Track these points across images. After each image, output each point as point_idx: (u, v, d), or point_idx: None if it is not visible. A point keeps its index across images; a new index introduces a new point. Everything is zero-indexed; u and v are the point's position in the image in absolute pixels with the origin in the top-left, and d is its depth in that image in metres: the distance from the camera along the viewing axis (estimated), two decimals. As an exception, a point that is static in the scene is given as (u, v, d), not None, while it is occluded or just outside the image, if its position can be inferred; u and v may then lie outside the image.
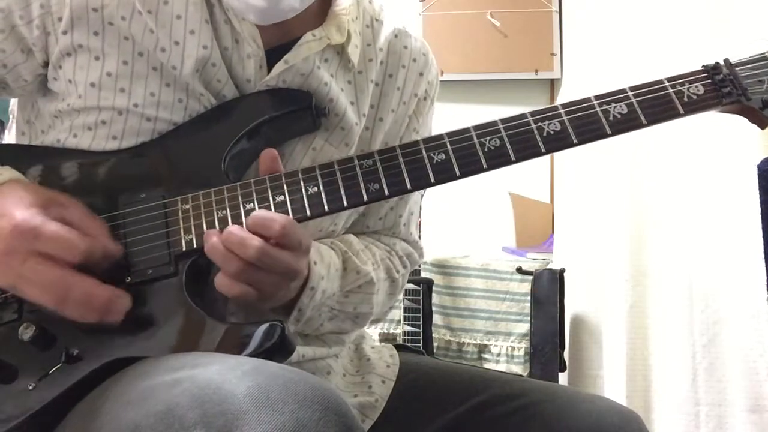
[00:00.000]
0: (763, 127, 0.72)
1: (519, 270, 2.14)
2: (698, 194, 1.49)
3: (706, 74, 0.70)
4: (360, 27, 0.83)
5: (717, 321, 1.45)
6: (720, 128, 1.42)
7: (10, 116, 2.13)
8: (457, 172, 0.68)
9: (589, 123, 0.69)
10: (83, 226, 0.65)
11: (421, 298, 2.09)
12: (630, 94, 0.69)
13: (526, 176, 2.66)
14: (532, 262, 2.24)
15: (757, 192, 0.98)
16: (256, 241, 0.63)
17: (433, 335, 2.18)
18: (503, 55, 2.69)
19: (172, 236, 0.68)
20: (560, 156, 2.36)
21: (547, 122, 0.69)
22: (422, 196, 2.12)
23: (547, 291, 2.03)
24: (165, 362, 0.56)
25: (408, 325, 2.09)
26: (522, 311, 2.17)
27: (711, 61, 0.72)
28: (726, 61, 0.72)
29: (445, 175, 0.68)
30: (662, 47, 1.56)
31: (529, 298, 2.09)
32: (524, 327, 2.15)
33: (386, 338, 2.20)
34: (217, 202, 0.68)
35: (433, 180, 0.68)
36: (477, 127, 0.69)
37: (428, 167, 0.68)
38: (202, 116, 0.74)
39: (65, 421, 0.60)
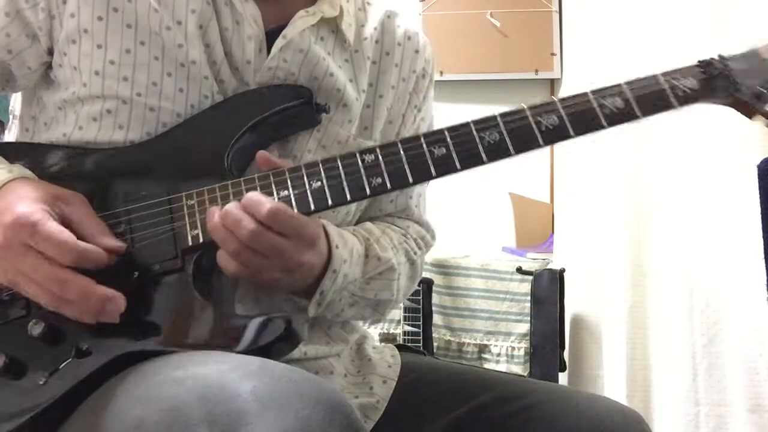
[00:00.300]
0: (751, 118, 0.75)
1: (519, 270, 2.14)
2: (698, 194, 1.49)
3: (700, 69, 0.73)
4: (353, 9, 0.85)
5: (717, 321, 1.46)
6: (720, 128, 1.42)
7: (10, 116, 2.13)
8: (458, 166, 0.69)
9: (585, 116, 0.70)
10: (83, 227, 0.66)
11: (421, 298, 2.09)
12: (625, 88, 0.71)
13: (526, 176, 2.66)
14: (532, 262, 2.24)
15: (757, 192, 0.98)
16: (249, 222, 0.64)
17: (433, 335, 2.18)
18: (503, 55, 2.69)
19: (178, 231, 0.69)
20: (560, 156, 2.36)
21: (545, 116, 0.70)
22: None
23: (547, 291, 2.03)
24: (171, 360, 0.56)
25: (408, 325, 2.09)
26: (522, 311, 2.17)
27: (706, 57, 0.74)
28: (720, 56, 0.74)
29: (445, 169, 0.69)
30: (662, 47, 1.56)
31: (529, 298, 2.09)
32: (524, 327, 2.15)
33: (386, 338, 2.20)
34: (222, 197, 0.69)
35: (434, 173, 0.69)
36: (477, 122, 0.71)
37: (429, 161, 0.69)
38: (205, 112, 0.75)
39: (73, 417, 0.61)
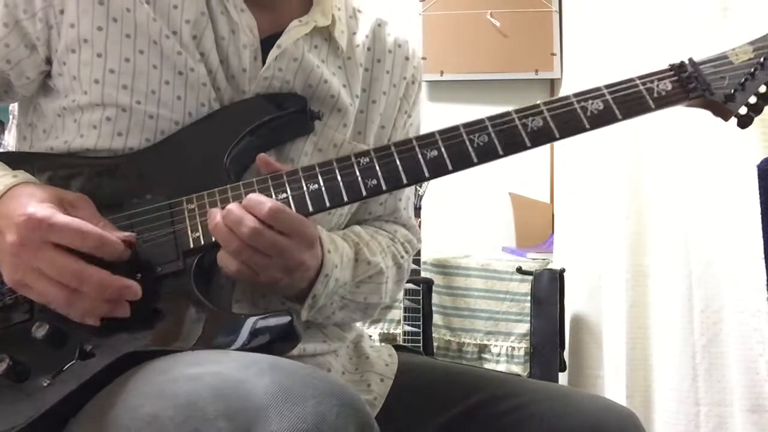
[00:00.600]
0: (726, 120, 0.78)
1: (519, 270, 2.14)
2: (698, 194, 1.49)
3: (672, 72, 0.77)
4: (344, 17, 0.88)
5: (717, 321, 1.45)
6: (720, 128, 1.42)
7: (10, 117, 2.13)
8: (450, 167, 0.73)
9: (569, 119, 0.74)
10: (93, 223, 0.67)
11: (421, 298, 2.09)
12: (605, 91, 0.75)
13: (526, 176, 2.66)
14: (532, 262, 2.24)
15: (757, 192, 0.98)
16: (250, 221, 0.66)
17: (433, 335, 2.18)
18: (503, 55, 2.69)
19: (180, 234, 0.71)
20: (560, 156, 2.36)
21: (530, 119, 0.74)
22: (421, 191, 2.13)
23: (547, 291, 2.03)
24: (183, 358, 0.57)
25: (408, 325, 2.09)
26: (522, 311, 2.17)
27: (677, 60, 0.78)
28: (690, 60, 0.78)
29: (438, 170, 0.73)
30: (662, 47, 1.56)
31: (529, 298, 2.09)
32: (524, 327, 2.15)
33: (386, 338, 2.20)
34: (221, 201, 0.71)
35: (427, 175, 0.72)
36: (466, 125, 0.74)
37: (422, 163, 0.72)
38: (203, 120, 0.77)
39: (80, 416, 0.61)
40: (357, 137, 0.87)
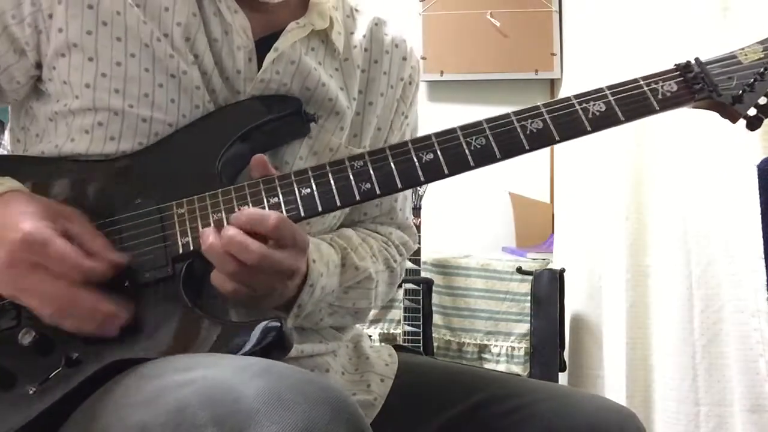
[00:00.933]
0: (734, 122, 0.75)
1: (519, 270, 2.14)
2: (698, 194, 1.49)
3: (678, 72, 0.74)
4: (341, 17, 0.86)
5: (717, 321, 1.45)
6: (720, 128, 1.42)
7: (10, 116, 2.12)
8: (446, 171, 0.71)
9: (569, 121, 0.72)
10: (87, 242, 0.66)
11: (421, 298, 2.09)
12: (608, 92, 0.73)
13: (526, 176, 2.66)
14: (532, 262, 2.24)
15: (757, 192, 0.98)
16: (256, 247, 0.64)
17: (433, 335, 2.18)
18: (503, 55, 2.69)
19: (169, 240, 0.69)
20: (560, 156, 2.36)
21: (529, 121, 0.72)
22: (421, 191, 2.13)
23: (547, 291, 2.03)
24: (172, 363, 0.56)
25: (408, 325, 2.09)
26: (522, 311, 2.17)
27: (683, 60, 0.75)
28: (697, 60, 0.75)
29: (433, 174, 0.71)
30: (662, 47, 1.56)
31: (529, 298, 2.09)
32: (524, 327, 2.15)
33: (386, 338, 2.20)
34: (212, 205, 0.70)
35: (422, 179, 0.71)
36: (463, 128, 0.72)
37: (417, 167, 0.71)
38: (195, 122, 0.76)
39: (69, 423, 0.60)
40: (353, 140, 0.86)
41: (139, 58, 0.74)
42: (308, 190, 0.70)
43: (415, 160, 0.71)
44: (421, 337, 2.09)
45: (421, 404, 0.83)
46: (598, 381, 1.89)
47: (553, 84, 2.74)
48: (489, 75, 2.70)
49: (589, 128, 0.72)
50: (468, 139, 0.71)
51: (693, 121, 1.50)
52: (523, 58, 2.68)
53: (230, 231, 0.65)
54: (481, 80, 2.71)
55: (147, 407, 0.50)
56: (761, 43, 0.76)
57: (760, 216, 0.97)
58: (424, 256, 2.18)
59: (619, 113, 0.72)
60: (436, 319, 2.21)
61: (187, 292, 0.68)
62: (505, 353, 2.20)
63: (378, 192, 0.70)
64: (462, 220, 2.68)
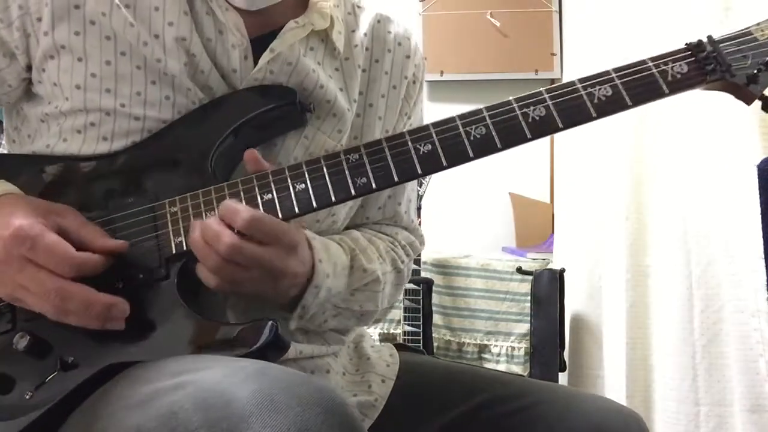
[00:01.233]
0: (749, 103, 0.71)
1: (519, 270, 2.14)
2: (698, 194, 1.49)
3: (689, 52, 0.70)
4: (342, 14, 0.84)
5: (717, 321, 1.45)
6: (720, 128, 1.42)
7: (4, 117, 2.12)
8: (444, 163, 0.68)
9: (573, 107, 0.68)
10: (80, 235, 0.65)
11: (421, 298, 2.09)
12: (614, 75, 0.69)
13: (526, 176, 2.66)
14: (532, 262, 2.24)
15: (757, 192, 0.98)
16: (227, 236, 0.63)
17: (433, 335, 2.18)
18: (503, 55, 2.69)
19: (162, 239, 0.68)
20: (560, 156, 2.36)
21: (531, 108, 0.69)
22: (421, 191, 2.13)
23: (547, 291, 2.03)
24: (166, 366, 0.56)
25: (408, 325, 2.09)
26: (522, 311, 2.17)
27: (694, 39, 0.71)
28: (709, 38, 0.71)
29: (431, 166, 0.68)
30: (663, 46, 1.56)
31: (529, 298, 2.09)
32: (524, 327, 2.15)
33: (386, 338, 2.20)
34: (205, 203, 0.68)
35: (420, 171, 0.68)
36: (462, 116, 0.69)
37: (415, 159, 0.68)
38: (186, 117, 0.74)
39: (64, 428, 0.60)
40: (353, 142, 0.83)
41: (130, 56, 0.72)
42: (302, 186, 0.68)
43: (413, 151, 0.68)
44: (421, 337, 2.09)
45: (423, 405, 0.83)
46: (598, 381, 1.89)
47: (553, 84, 2.74)
48: (489, 75, 2.70)
49: (594, 114, 0.68)
50: (467, 129, 0.68)
51: (693, 121, 1.50)
52: (523, 58, 2.68)
53: (208, 221, 0.65)
54: (481, 80, 2.71)
55: (141, 411, 0.50)
56: None
57: (760, 216, 0.97)
58: (424, 256, 2.18)
59: (626, 98, 0.68)
60: (436, 319, 2.21)
61: (183, 293, 0.67)
62: (505, 353, 2.20)
63: (374, 186, 0.68)
64: (462, 220, 2.68)
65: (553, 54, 2.67)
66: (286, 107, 0.76)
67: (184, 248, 0.67)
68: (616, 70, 0.69)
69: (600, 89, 0.69)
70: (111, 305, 0.63)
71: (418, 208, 2.11)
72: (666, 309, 1.58)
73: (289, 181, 0.68)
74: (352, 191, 0.68)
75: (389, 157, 0.68)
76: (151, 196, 0.70)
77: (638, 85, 0.69)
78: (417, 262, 2.11)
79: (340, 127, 0.81)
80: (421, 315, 2.09)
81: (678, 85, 0.69)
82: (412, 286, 2.09)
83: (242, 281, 0.66)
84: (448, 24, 2.70)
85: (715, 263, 1.44)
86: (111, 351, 0.64)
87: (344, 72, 0.82)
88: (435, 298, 2.20)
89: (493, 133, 0.68)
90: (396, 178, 0.68)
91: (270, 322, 0.62)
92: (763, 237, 0.96)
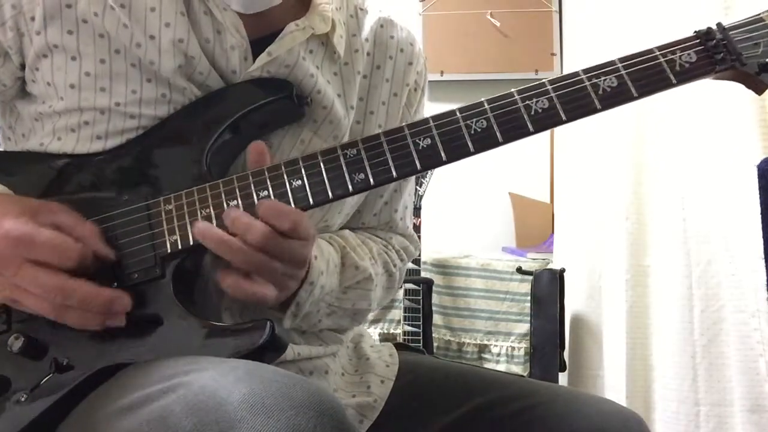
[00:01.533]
0: (759, 93, 0.69)
1: (519, 270, 2.14)
2: (698, 194, 1.49)
3: (698, 40, 0.67)
4: (344, 17, 0.82)
5: (717, 321, 1.46)
6: (720, 128, 1.42)
7: None
8: (444, 157, 0.66)
9: (578, 98, 0.66)
10: (75, 231, 0.64)
11: (421, 298, 2.09)
12: (620, 65, 0.67)
13: (526, 176, 2.66)
14: (532, 262, 2.24)
15: (757, 192, 0.98)
16: (260, 225, 0.63)
17: (433, 335, 2.18)
18: (503, 55, 2.69)
19: (157, 238, 0.67)
20: (560, 156, 2.36)
21: (534, 100, 0.67)
22: (421, 191, 2.13)
23: (547, 291, 2.03)
24: (158, 368, 0.55)
25: (408, 325, 2.09)
26: (522, 311, 2.17)
27: (703, 27, 0.69)
28: (719, 25, 0.68)
29: (431, 161, 0.66)
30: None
31: (529, 298, 2.09)
32: (524, 327, 2.15)
33: (386, 338, 2.20)
34: (200, 200, 0.67)
35: (419, 167, 0.67)
36: (463, 109, 0.68)
37: (414, 154, 0.66)
38: (180, 112, 0.73)
39: (59, 430, 0.60)
40: None
41: (124, 55, 0.71)
42: (299, 182, 0.66)
43: (412, 146, 0.66)
44: (421, 337, 2.09)
45: (423, 406, 0.82)
46: (598, 381, 1.89)
47: (553, 84, 2.74)
48: (489, 75, 2.70)
49: (599, 106, 0.66)
50: (468, 122, 0.66)
51: (693, 121, 1.50)
52: (523, 58, 2.68)
53: (234, 212, 0.64)
54: (481, 80, 2.71)
55: (132, 415, 0.50)
56: None
57: (760, 216, 0.97)
58: (424, 256, 2.18)
59: (633, 89, 0.66)
60: (436, 319, 2.21)
61: (178, 293, 0.66)
62: (505, 353, 2.20)
63: (372, 183, 0.66)
64: (462, 220, 2.68)
65: (553, 54, 2.67)
66: (283, 101, 0.74)
67: (179, 247, 0.66)
68: (622, 59, 0.67)
69: (605, 80, 0.67)
70: (113, 299, 0.62)
71: (418, 208, 2.11)
72: (666, 309, 1.58)
73: (285, 177, 0.67)
74: (350, 188, 0.66)
75: (387, 152, 0.67)
76: (147, 194, 0.69)
77: (645, 75, 0.66)
78: (417, 262, 2.11)
79: (336, 133, 0.79)
80: (421, 315, 2.09)
81: (686, 75, 0.66)
82: (412, 286, 2.09)
83: (273, 273, 0.65)
84: (448, 24, 2.70)
85: (715, 263, 1.45)
86: (106, 352, 0.63)
87: (343, 77, 0.81)
88: (435, 298, 2.20)
89: (495, 126, 0.66)
90: (394, 174, 0.66)
91: (268, 323, 0.62)
92: (763, 237, 0.97)
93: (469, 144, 0.66)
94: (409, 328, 2.09)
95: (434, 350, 2.18)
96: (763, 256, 1.01)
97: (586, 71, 0.67)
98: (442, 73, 2.68)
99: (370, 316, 2.19)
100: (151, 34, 0.72)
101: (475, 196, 2.66)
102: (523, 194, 2.63)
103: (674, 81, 0.66)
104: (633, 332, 1.67)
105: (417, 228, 2.06)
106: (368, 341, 0.92)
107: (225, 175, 0.69)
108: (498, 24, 2.69)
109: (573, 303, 2.07)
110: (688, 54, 0.67)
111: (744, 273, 1.36)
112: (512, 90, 0.68)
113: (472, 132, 0.66)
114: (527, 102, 0.67)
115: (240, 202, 0.66)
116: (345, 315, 0.82)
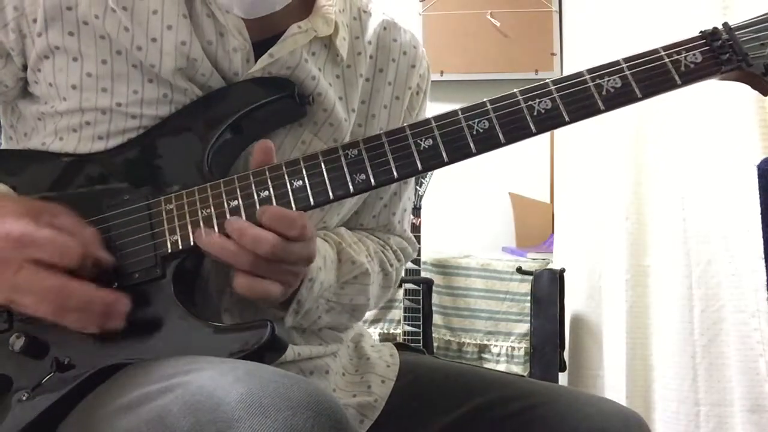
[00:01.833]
0: (766, 94, 0.68)
1: (519, 270, 2.14)
2: (698, 194, 1.49)
3: (704, 41, 0.67)
4: (347, 19, 0.82)
5: (717, 321, 1.46)
6: (720, 128, 1.42)
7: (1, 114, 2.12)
8: (445, 158, 0.66)
9: (581, 99, 0.66)
10: (74, 234, 0.64)
11: (421, 298, 2.09)
12: (624, 66, 0.66)
13: (526, 176, 2.66)
14: (532, 262, 2.24)
15: (757, 192, 0.98)
16: (271, 237, 0.63)
17: (433, 335, 2.18)
18: (503, 55, 2.69)
19: (158, 238, 0.66)
20: (560, 156, 2.36)
21: (537, 100, 0.66)
22: (421, 191, 2.13)
23: (547, 291, 2.03)
24: (157, 368, 0.55)
25: (408, 325, 2.09)
26: (522, 311, 2.17)
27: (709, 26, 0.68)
28: (725, 25, 0.68)
29: (432, 162, 0.66)
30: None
31: (529, 298, 2.09)
32: (524, 327, 2.15)
33: (386, 338, 2.20)
34: (201, 200, 0.67)
35: (420, 167, 0.66)
36: (465, 110, 0.67)
37: (415, 154, 0.66)
38: (181, 111, 0.72)
39: (59, 429, 0.60)
40: None
41: (126, 55, 0.71)
42: (300, 183, 0.66)
43: (413, 146, 0.66)
44: (421, 337, 2.09)
45: (423, 406, 0.82)
46: (598, 381, 1.90)
47: (552, 84, 2.74)
48: (489, 75, 2.70)
49: (602, 107, 0.65)
50: (470, 123, 0.66)
51: (693, 121, 1.50)
52: (523, 58, 2.68)
53: (237, 223, 0.64)
54: (481, 80, 2.71)
55: (130, 415, 0.50)
56: None
57: (760, 216, 0.97)
58: (424, 256, 2.18)
59: (637, 90, 0.65)
60: (436, 319, 2.21)
61: (178, 294, 0.66)
62: (505, 353, 2.20)
63: (373, 183, 0.66)
64: (462, 220, 2.68)
65: (553, 54, 2.67)
66: (285, 100, 0.74)
67: (180, 247, 0.66)
68: (626, 59, 0.66)
69: (609, 80, 0.66)
70: (112, 301, 0.62)
71: (418, 208, 2.11)
72: (666, 309, 1.58)
73: (286, 177, 0.67)
74: (351, 188, 0.66)
75: (389, 153, 0.66)
76: (147, 194, 0.69)
77: (649, 76, 0.66)
78: (417, 262, 2.11)
79: (337, 136, 0.79)
80: (421, 315, 2.09)
81: (691, 76, 0.65)
82: (412, 286, 2.09)
83: (281, 274, 0.65)
84: (448, 24, 2.71)
85: (715, 263, 1.45)
86: (107, 351, 0.63)
87: (345, 80, 0.80)
88: (435, 298, 2.20)
89: (497, 127, 0.66)
90: (395, 175, 0.66)
91: (268, 323, 0.62)
92: (763, 237, 0.97)
93: (471, 145, 0.66)
94: (409, 328, 2.09)
95: (434, 350, 2.18)
96: (763, 256, 1.01)
97: (590, 71, 0.67)
98: (442, 73, 2.68)
99: (370, 315, 2.19)
100: (153, 36, 0.71)
101: (475, 196, 2.66)
102: (523, 194, 2.63)
103: (679, 82, 0.66)
104: (633, 332, 1.67)
105: (417, 228, 2.06)
106: (368, 341, 0.92)
107: (226, 175, 0.69)
108: (498, 24, 2.69)
109: (573, 303, 2.07)
110: (694, 54, 0.66)
111: (744, 273, 1.36)
112: (515, 90, 0.67)
113: (474, 133, 0.66)
114: (530, 102, 0.66)
115: (241, 201, 0.66)
116: (344, 311, 0.82)
